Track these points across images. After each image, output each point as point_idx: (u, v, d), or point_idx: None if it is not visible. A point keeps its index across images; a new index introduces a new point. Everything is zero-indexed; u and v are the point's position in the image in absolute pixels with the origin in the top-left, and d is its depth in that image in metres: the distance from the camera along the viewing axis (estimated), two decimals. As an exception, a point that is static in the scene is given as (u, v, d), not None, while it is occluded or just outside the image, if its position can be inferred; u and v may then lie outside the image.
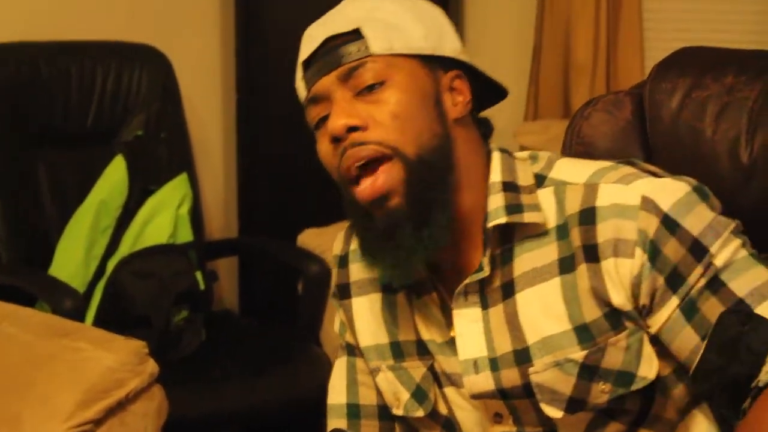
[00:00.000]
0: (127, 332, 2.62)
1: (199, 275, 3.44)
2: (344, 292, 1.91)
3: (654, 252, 1.65)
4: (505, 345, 1.73)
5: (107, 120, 3.55)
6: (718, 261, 1.66)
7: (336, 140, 1.68)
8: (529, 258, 1.73)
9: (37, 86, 3.42)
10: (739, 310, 1.66)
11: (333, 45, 1.69)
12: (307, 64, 1.73)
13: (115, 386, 2.48)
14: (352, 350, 1.94)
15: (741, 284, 1.66)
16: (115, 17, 3.75)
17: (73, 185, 3.45)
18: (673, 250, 1.66)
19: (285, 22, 3.90)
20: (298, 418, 3.40)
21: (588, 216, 1.69)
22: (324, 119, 1.71)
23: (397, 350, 1.84)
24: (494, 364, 1.74)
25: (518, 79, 4.08)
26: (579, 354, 1.70)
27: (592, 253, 1.68)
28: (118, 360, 2.50)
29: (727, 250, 1.67)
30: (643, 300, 1.67)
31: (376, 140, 1.66)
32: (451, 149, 1.71)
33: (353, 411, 1.94)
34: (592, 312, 1.70)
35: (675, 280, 1.66)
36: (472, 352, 1.75)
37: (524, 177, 1.75)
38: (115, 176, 3.45)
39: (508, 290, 1.73)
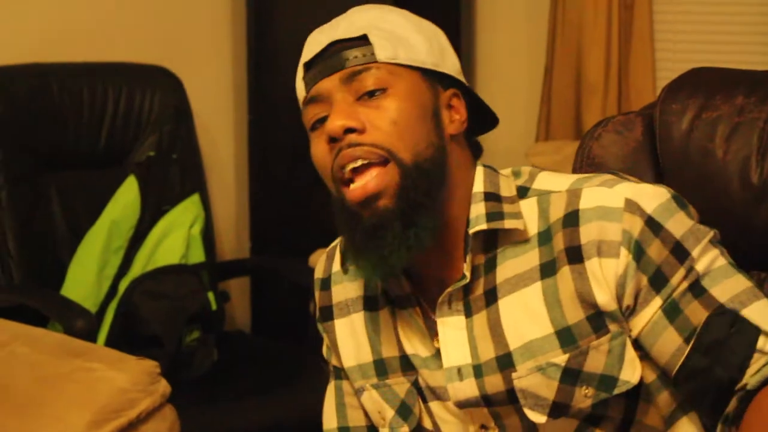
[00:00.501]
0: (139, 352, 2.60)
1: (211, 295, 3.45)
2: (326, 314, 1.92)
3: (639, 252, 1.67)
4: (488, 351, 1.74)
5: (119, 141, 3.55)
6: (699, 266, 1.68)
7: (333, 140, 1.68)
8: (511, 265, 1.74)
9: (48, 108, 3.42)
10: (726, 313, 1.66)
11: (338, 48, 1.71)
12: (308, 65, 1.75)
13: (127, 406, 2.46)
14: (339, 373, 1.96)
15: (722, 291, 1.68)
16: (127, 39, 3.76)
17: (86, 206, 3.45)
18: (656, 251, 1.67)
19: (296, 45, 3.89)
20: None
21: (571, 218, 1.70)
22: (321, 120, 1.72)
23: (381, 367, 1.85)
24: (478, 370, 1.75)
25: (530, 100, 4.10)
26: (561, 357, 1.71)
27: (575, 255, 1.69)
28: (130, 380, 2.49)
29: (707, 257, 1.69)
30: (627, 301, 1.68)
31: (372, 143, 1.67)
32: (446, 162, 1.72)
33: None
34: (574, 315, 1.70)
35: (658, 280, 1.68)
36: (456, 360, 1.75)
37: (507, 189, 1.77)
38: (127, 197, 3.46)
39: (491, 297, 1.74)
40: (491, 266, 1.75)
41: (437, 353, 1.77)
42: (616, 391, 1.71)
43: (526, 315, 1.73)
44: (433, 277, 1.77)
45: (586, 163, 2.09)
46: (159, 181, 3.54)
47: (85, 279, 3.33)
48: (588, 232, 1.68)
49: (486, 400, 1.75)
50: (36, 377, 2.53)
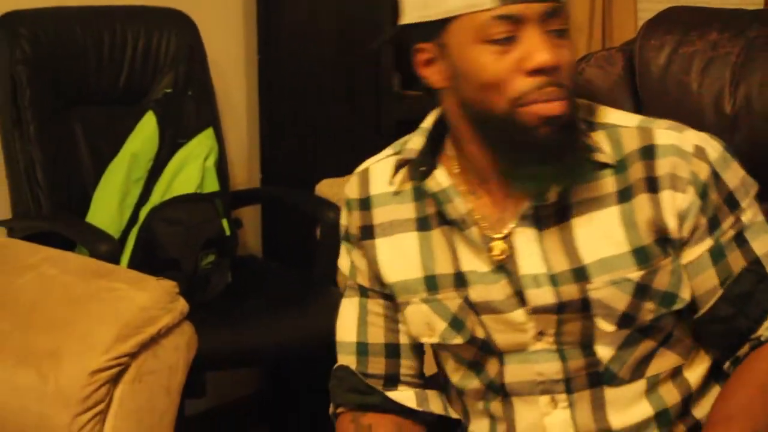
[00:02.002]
0: (159, 274, 2.62)
1: (224, 222, 3.46)
2: (367, 233, 1.93)
3: (704, 194, 1.73)
4: (562, 264, 1.78)
5: (138, 79, 3.56)
6: (745, 218, 1.77)
7: (537, 72, 1.67)
8: (584, 188, 1.77)
9: (72, 49, 3.43)
10: (756, 270, 1.76)
11: None
12: None
13: (149, 323, 2.49)
14: (365, 292, 1.97)
15: (760, 245, 1.77)
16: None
17: (108, 140, 3.46)
18: (715, 197, 1.74)
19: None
20: (316, 353, 3.42)
21: (649, 152, 1.75)
22: (504, 40, 1.68)
23: (432, 283, 1.86)
24: (554, 279, 1.78)
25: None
26: (636, 274, 1.75)
27: (652, 184, 1.75)
28: (150, 299, 2.51)
29: (752, 210, 1.78)
30: (684, 233, 1.74)
31: (566, 84, 1.70)
32: None
33: (362, 349, 1.98)
34: (648, 237, 1.75)
35: (713, 223, 1.75)
36: (532, 269, 1.79)
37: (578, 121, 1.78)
38: (146, 131, 3.47)
39: (562, 215, 1.78)
40: (565, 188, 1.77)
41: (496, 268, 1.81)
42: (675, 308, 1.78)
43: (601, 234, 1.77)
44: (496, 197, 1.80)
45: (571, 96, 2.11)
46: (175, 116, 3.54)
47: (108, 207, 3.34)
48: (664, 165, 1.74)
49: (561, 307, 1.79)
50: (64, 297, 2.55)
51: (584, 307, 1.77)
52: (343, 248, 2.00)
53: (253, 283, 3.51)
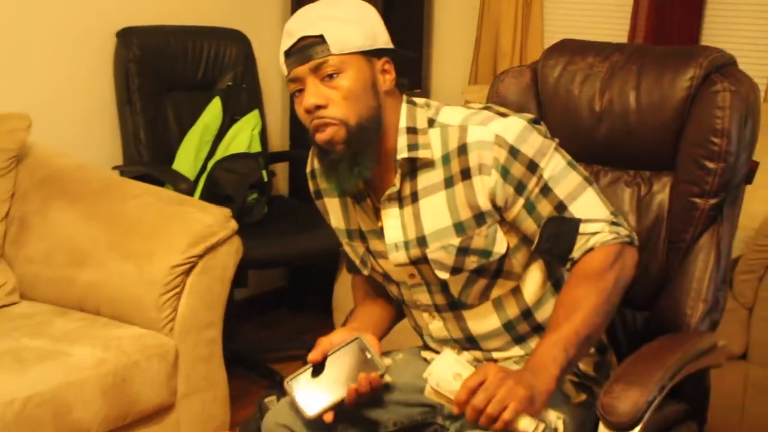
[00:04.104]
0: (219, 205, 2.65)
1: (264, 172, 3.44)
2: (318, 194, 1.90)
3: (504, 173, 1.66)
4: (412, 233, 1.74)
5: (210, 75, 3.54)
6: (546, 174, 1.68)
7: (308, 111, 1.64)
8: (425, 178, 1.72)
9: (167, 53, 3.41)
10: (559, 215, 1.68)
11: (305, 44, 1.64)
12: (287, 53, 1.67)
13: (211, 235, 2.52)
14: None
15: (561, 189, 1.69)
16: (216, 10, 3.74)
17: (188, 114, 3.44)
18: (516, 169, 1.66)
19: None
20: (324, 259, 3.43)
21: (462, 149, 1.68)
22: (300, 91, 1.66)
23: (349, 234, 1.85)
24: (407, 245, 1.75)
25: (466, 58, 4.08)
26: (456, 240, 1.71)
27: (466, 174, 1.68)
28: (213, 220, 2.54)
29: (551, 164, 1.69)
30: (500, 203, 1.68)
31: (331, 116, 1.63)
32: (381, 114, 1.68)
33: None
34: (465, 214, 1.70)
35: (520, 188, 1.67)
36: (393, 238, 1.76)
37: (420, 121, 1.72)
38: (214, 110, 3.44)
39: (414, 198, 1.73)
40: (413, 177, 1.72)
41: (380, 231, 1.77)
42: (491, 259, 1.72)
43: (435, 212, 1.72)
44: (378, 182, 1.74)
45: (494, 96, 2.10)
46: (234, 100, 3.51)
47: (187, 159, 3.33)
48: (473, 158, 1.67)
49: (412, 262, 1.76)
50: (156, 216, 2.57)
51: (426, 263, 1.75)
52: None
53: (282, 213, 3.49)
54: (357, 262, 1.86)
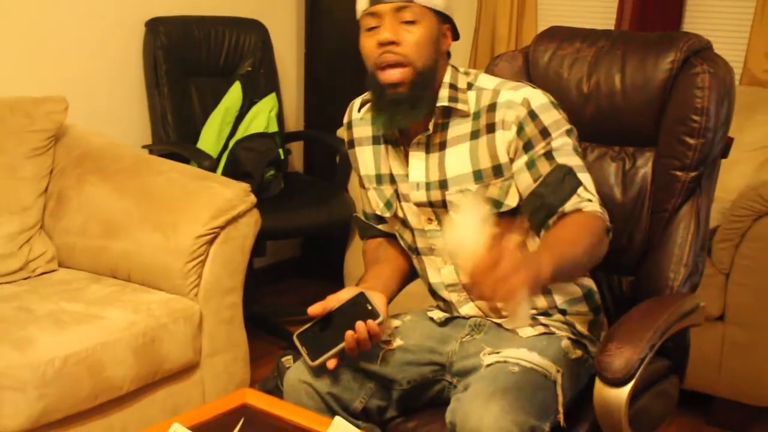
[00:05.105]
0: (239, 180, 2.64)
1: (281, 151, 3.44)
2: (351, 144, 1.92)
3: (520, 129, 1.69)
4: (434, 176, 1.76)
5: (231, 61, 3.53)
6: (554, 144, 1.69)
7: (381, 44, 1.67)
8: (455, 129, 1.75)
9: (191, 41, 3.40)
10: (566, 168, 1.68)
11: None
12: None
13: (232, 208, 2.51)
14: (360, 180, 1.96)
15: (563, 161, 1.69)
16: (236, 1, 3.72)
17: (211, 98, 3.43)
18: (530, 129, 1.69)
19: (339, 7, 3.88)
20: (334, 231, 3.43)
21: (492, 107, 1.71)
22: (373, 28, 1.69)
23: (378, 178, 1.86)
24: (428, 186, 1.77)
25: (466, 47, 4.06)
26: (473, 186, 1.73)
27: (491, 128, 1.71)
28: (233, 194, 2.53)
29: (561, 140, 1.70)
30: (511, 155, 1.70)
31: (403, 53, 1.67)
32: (437, 67, 1.73)
33: (364, 213, 1.98)
34: (485, 163, 1.72)
35: (527, 146, 1.69)
36: (416, 178, 1.78)
37: (461, 83, 1.76)
38: (234, 93, 3.44)
39: (442, 146, 1.76)
40: (445, 128, 1.76)
41: (407, 174, 1.80)
42: (502, 210, 1.73)
43: (458, 160, 1.74)
44: (413, 129, 1.77)
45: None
46: (252, 85, 3.50)
47: (210, 139, 3.33)
48: (499, 115, 1.70)
49: (430, 204, 1.78)
50: (182, 191, 2.57)
51: (444, 205, 1.76)
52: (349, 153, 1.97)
53: (297, 188, 3.49)
54: (381, 205, 1.86)
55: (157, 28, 3.29)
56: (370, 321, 1.67)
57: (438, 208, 1.77)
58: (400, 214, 1.84)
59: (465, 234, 1.49)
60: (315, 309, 1.72)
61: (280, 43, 3.78)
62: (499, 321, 1.80)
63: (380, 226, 1.96)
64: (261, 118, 3.44)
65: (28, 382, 2.04)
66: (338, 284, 3.55)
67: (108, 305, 2.34)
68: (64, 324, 2.21)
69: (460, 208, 1.71)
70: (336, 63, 3.90)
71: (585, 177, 1.70)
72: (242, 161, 3.25)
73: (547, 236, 1.66)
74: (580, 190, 1.67)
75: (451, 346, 1.79)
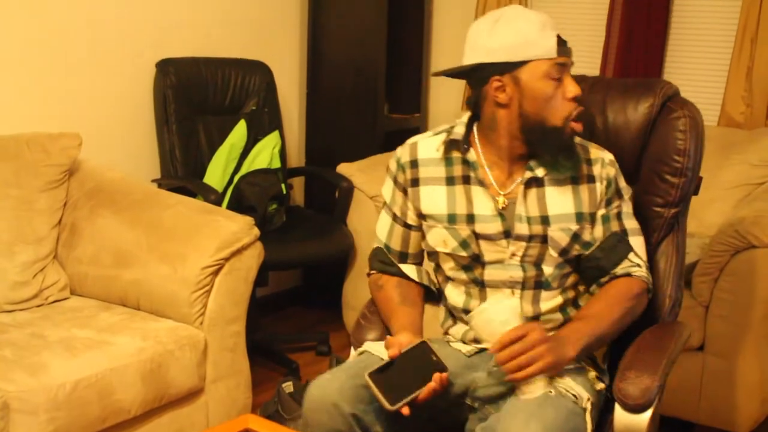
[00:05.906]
0: (243, 214, 2.65)
1: (283, 186, 3.44)
2: (415, 182, 1.88)
3: (608, 186, 1.81)
4: (535, 212, 1.80)
5: (237, 100, 3.54)
6: (624, 206, 1.83)
7: (575, 99, 1.75)
8: (555, 172, 1.82)
9: (199, 81, 3.42)
10: (620, 235, 1.81)
11: (566, 43, 1.77)
12: (561, 41, 1.75)
13: (237, 241, 2.52)
14: (396, 217, 1.93)
15: (627, 223, 1.83)
16: (242, 43, 3.74)
17: (217, 135, 3.44)
18: (614, 188, 1.82)
19: (337, 48, 3.90)
20: (334, 262, 3.43)
21: (588, 161, 1.82)
22: (559, 79, 1.74)
23: (452, 218, 1.84)
24: (530, 220, 1.79)
25: (459, 88, 4.05)
26: (575, 227, 1.80)
27: (591, 179, 1.81)
28: (238, 227, 2.54)
29: (627, 203, 1.84)
30: (597, 206, 1.82)
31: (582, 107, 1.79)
32: None
33: (387, 247, 1.95)
34: (586, 208, 1.81)
35: (608, 202, 1.82)
36: (521, 212, 1.80)
37: None
38: (239, 131, 3.45)
39: (541, 184, 1.80)
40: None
41: (497, 214, 1.80)
42: (588, 251, 1.81)
43: (561, 200, 1.80)
44: (504, 170, 1.82)
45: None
46: (257, 123, 3.51)
47: (216, 174, 3.33)
48: (596, 169, 1.82)
49: (530, 237, 1.80)
50: (189, 224, 2.58)
51: (543, 240, 1.79)
52: (389, 186, 1.92)
53: (298, 222, 3.48)
54: (454, 243, 1.83)
55: (167, 68, 3.32)
56: (444, 374, 1.66)
57: (533, 243, 1.80)
58: (476, 250, 1.83)
59: (496, 315, 1.66)
60: (394, 352, 1.66)
61: (283, 84, 3.80)
62: None
63: (403, 267, 1.94)
64: (265, 155, 3.44)
65: (39, 405, 2.04)
66: (337, 312, 3.55)
67: (118, 332, 2.34)
68: (75, 350, 2.21)
69: (494, 302, 1.75)
70: (335, 103, 3.92)
71: (637, 240, 1.83)
72: (246, 195, 3.25)
73: (587, 306, 1.79)
74: (631, 255, 1.80)
75: (478, 373, 1.79)
